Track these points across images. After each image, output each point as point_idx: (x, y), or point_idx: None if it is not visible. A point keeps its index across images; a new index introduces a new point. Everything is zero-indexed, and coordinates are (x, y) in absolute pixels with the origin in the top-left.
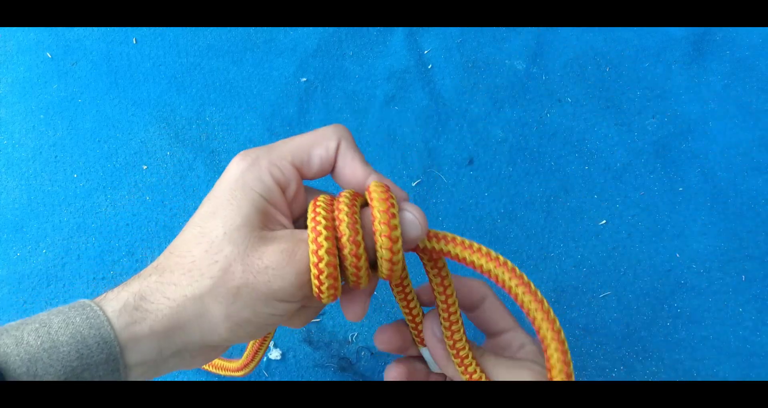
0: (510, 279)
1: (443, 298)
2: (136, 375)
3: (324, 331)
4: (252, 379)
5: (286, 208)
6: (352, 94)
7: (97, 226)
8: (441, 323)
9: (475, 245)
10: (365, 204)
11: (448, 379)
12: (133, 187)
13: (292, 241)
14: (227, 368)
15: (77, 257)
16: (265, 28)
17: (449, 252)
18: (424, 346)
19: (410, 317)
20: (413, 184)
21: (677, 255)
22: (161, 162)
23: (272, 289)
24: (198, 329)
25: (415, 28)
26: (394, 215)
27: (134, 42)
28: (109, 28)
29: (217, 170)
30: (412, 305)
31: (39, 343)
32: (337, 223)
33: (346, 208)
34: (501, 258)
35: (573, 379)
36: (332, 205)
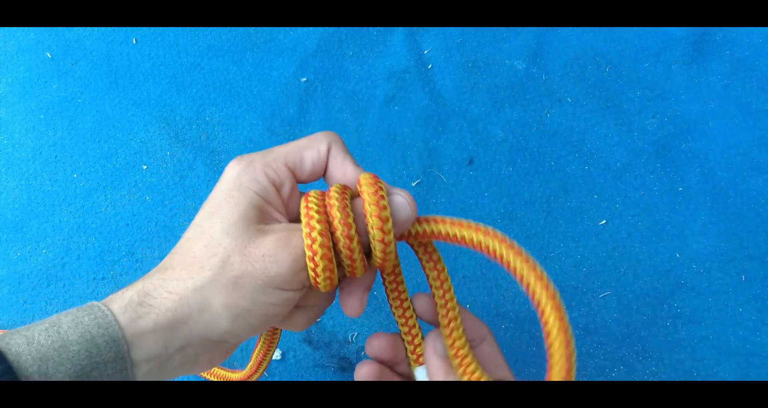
0: (503, 248)
1: (438, 284)
2: (142, 373)
3: (324, 331)
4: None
5: (282, 207)
6: (352, 94)
7: (97, 226)
8: (442, 332)
9: (464, 221)
10: (356, 197)
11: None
12: (133, 187)
13: (287, 230)
14: (230, 379)
15: (77, 257)
16: (265, 28)
17: (440, 232)
18: (420, 364)
19: (406, 329)
20: (413, 184)
21: (677, 255)
22: (161, 162)
23: (269, 276)
24: (201, 321)
25: (415, 28)
26: (383, 197)
27: (134, 42)
28: (109, 28)
29: (217, 170)
30: (408, 314)
31: (49, 342)
32: (328, 208)
33: (336, 195)
34: (491, 230)
35: (572, 378)
36: (323, 196)
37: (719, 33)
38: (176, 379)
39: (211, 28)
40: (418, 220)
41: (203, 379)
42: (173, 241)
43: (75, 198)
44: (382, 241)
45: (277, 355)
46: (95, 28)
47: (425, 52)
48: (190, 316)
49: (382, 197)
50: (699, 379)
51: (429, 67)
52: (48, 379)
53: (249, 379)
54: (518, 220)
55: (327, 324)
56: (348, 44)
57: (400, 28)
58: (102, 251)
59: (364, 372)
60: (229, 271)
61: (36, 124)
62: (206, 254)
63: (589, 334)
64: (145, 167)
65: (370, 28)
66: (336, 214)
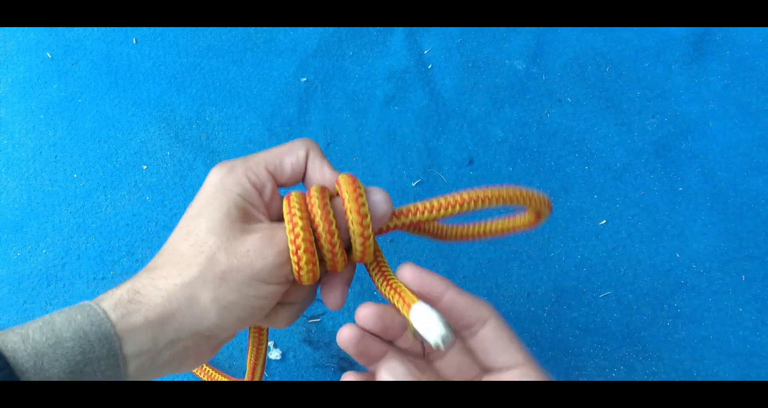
0: (466, 195)
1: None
2: (134, 367)
3: (324, 331)
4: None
5: (264, 208)
6: (352, 94)
7: (97, 226)
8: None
9: (434, 202)
10: (335, 197)
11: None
12: (133, 187)
13: (270, 228)
14: None
15: (77, 257)
16: (265, 28)
17: (419, 221)
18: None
19: (393, 292)
20: (413, 184)
21: (677, 255)
22: (161, 162)
23: (255, 270)
24: (189, 315)
25: (415, 28)
26: (361, 195)
27: (134, 42)
28: (109, 28)
29: None
30: (392, 283)
31: (44, 339)
32: (309, 207)
33: (316, 194)
34: (450, 197)
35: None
36: (305, 196)
37: (719, 33)
38: (177, 380)
39: (211, 28)
40: (394, 214)
41: (203, 380)
42: None
43: (75, 198)
44: (362, 235)
45: (276, 355)
46: (95, 28)
47: (425, 52)
48: (179, 310)
49: (361, 195)
50: (699, 379)
51: (429, 67)
52: (43, 374)
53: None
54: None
55: (327, 324)
56: (348, 44)
57: (400, 28)
58: (102, 251)
59: (345, 334)
60: (215, 267)
61: (36, 124)
62: (193, 252)
63: (589, 334)
64: (145, 167)
65: (370, 28)
66: (317, 212)
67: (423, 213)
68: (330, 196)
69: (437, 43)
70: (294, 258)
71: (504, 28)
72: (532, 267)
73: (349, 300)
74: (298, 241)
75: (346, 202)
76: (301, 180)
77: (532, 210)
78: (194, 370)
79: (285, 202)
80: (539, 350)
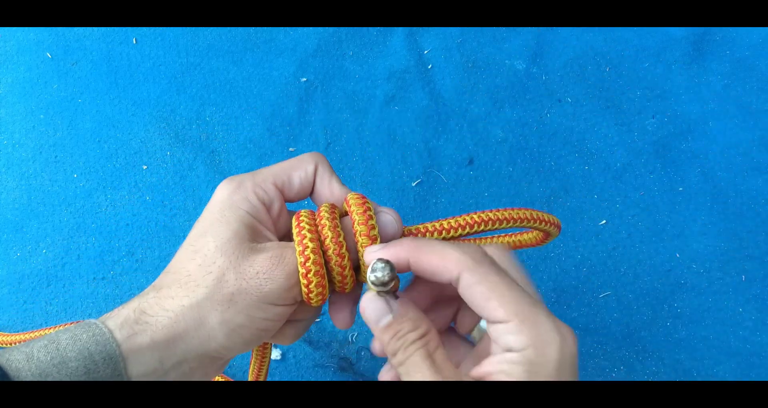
0: (492, 213)
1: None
2: None
3: (324, 331)
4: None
5: (271, 225)
6: (352, 94)
7: (97, 226)
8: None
9: (444, 223)
10: (344, 215)
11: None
12: (133, 187)
13: (280, 248)
14: None
15: (77, 257)
16: (265, 28)
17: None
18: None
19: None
20: (413, 184)
21: (677, 255)
22: (161, 162)
23: (264, 292)
24: (196, 337)
25: (415, 28)
26: (371, 217)
27: (134, 42)
28: (109, 28)
29: (217, 170)
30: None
31: (48, 359)
32: (319, 227)
33: (326, 214)
34: (476, 215)
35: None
36: (314, 215)
37: (719, 33)
38: (177, 380)
39: (211, 28)
40: (404, 233)
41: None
42: (173, 241)
43: (75, 198)
44: None
45: (276, 355)
46: (95, 28)
47: (425, 52)
48: (187, 332)
49: (371, 217)
50: (699, 379)
51: (429, 67)
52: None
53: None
54: None
55: (327, 324)
56: (348, 44)
57: (400, 28)
58: (102, 251)
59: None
60: (224, 288)
61: (36, 124)
62: (201, 272)
63: (589, 334)
64: (145, 167)
65: (370, 28)
66: (328, 233)
67: (432, 234)
68: (340, 214)
69: (437, 43)
70: (304, 281)
71: (504, 28)
72: (532, 267)
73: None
74: (309, 263)
75: (355, 224)
76: (309, 195)
77: (542, 231)
78: None
79: (294, 222)
80: None
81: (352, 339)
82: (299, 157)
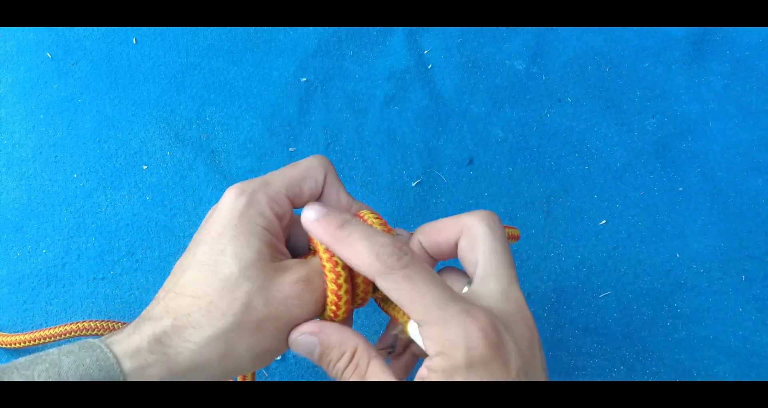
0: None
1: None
2: None
3: None
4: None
5: (283, 238)
6: (352, 94)
7: (97, 226)
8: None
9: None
10: None
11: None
12: (133, 187)
13: (305, 270)
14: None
15: (77, 257)
16: (265, 28)
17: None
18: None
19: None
20: (413, 184)
21: (677, 255)
22: (161, 162)
23: (292, 318)
24: (220, 365)
25: (415, 28)
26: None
27: (134, 42)
28: (109, 28)
29: (217, 170)
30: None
31: None
32: None
33: None
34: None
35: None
36: None
37: (719, 33)
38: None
39: (211, 28)
40: None
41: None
42: (173, 241)
43: (75, 198)
44: None
45: None
46: (95, 28)
47: (425, 52)
48: (209, 362)
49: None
50: (699, 379)
51: (429, 67)
52: None
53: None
54: (518, 220)
55: None
56: (348, 44)
57: (400, 28)
58: (102, 251)
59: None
60: (252, 316)
61: (36, 124)
62: (225, 299)
63: (589, 334)
64: (145, 167)
65: (370, 28)
66: None
67: None
68: None
69: (437, 43)
70: (333, 307)
71: (504, 28)
72: (532, 267)
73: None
74: (341, 292)
75: None
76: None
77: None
78: None
79: (322, 247)
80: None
81: None
82: (307, 164)
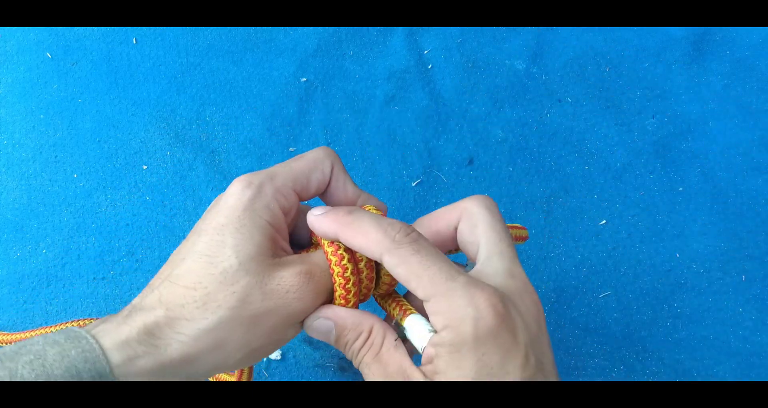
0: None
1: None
2: None
3: None
4: (252, 379)
5: (287, 233)
6: (352, 94)
7: (97, 226)
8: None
9: None
10: None
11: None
12: (133, 187)
13: (306, 263)
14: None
15: (77, 257)
16: (265, 28)
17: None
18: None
19: (393, 303)
20: (413, 184)
21: (677, 255)
22: (161, 162)
23: (291, 313)
24: (211, 359)
25: (415, 28)
26: None
27: (134, 42)
28: (109, 28)
29: (217, 170)
30: (393, 295)
31: (33, 376)
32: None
33: None
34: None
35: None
36: None
37: (719, 33)
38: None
39: (211, 28)
40: None
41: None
42: (173, 240)
43: (75, 198)
44: (391, 283)
45: (276, 355)
46: (95, 28)
47: (425, 52)
48: (199, 355)
49: None
50: (699, 379)
51: (429, 67)
52: None
53: (242, 375)
54: (518, 220)
55: None
56: (348, 44)
57: (400, 28)
58: (102, 251)
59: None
60: (248, 310)
61: (36, 124)
62: (222, 292)
63: (589, 334)
64: (145, 167)
65: (370, 28)
66: (364, 257)
67: None
68: None
69: (437, 43)
70: (342, 301)
71: (504, 28)
72: (532, 267)
73: None
74: (349, 285)
75: None
76: (321, 194)
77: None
78: None
79: (326, 241)
80: None
81: None
82: (313, 156)
